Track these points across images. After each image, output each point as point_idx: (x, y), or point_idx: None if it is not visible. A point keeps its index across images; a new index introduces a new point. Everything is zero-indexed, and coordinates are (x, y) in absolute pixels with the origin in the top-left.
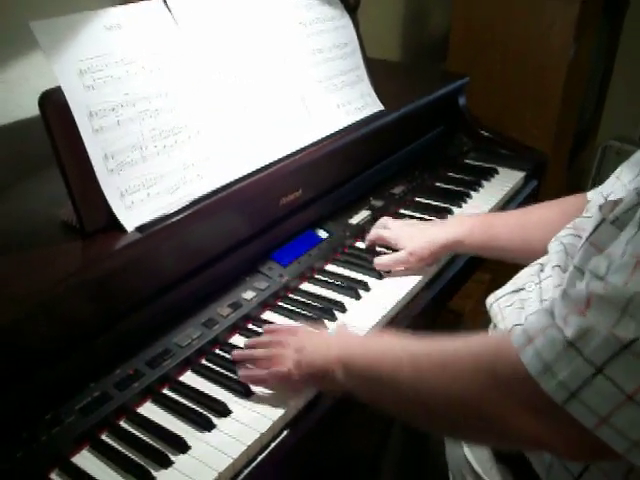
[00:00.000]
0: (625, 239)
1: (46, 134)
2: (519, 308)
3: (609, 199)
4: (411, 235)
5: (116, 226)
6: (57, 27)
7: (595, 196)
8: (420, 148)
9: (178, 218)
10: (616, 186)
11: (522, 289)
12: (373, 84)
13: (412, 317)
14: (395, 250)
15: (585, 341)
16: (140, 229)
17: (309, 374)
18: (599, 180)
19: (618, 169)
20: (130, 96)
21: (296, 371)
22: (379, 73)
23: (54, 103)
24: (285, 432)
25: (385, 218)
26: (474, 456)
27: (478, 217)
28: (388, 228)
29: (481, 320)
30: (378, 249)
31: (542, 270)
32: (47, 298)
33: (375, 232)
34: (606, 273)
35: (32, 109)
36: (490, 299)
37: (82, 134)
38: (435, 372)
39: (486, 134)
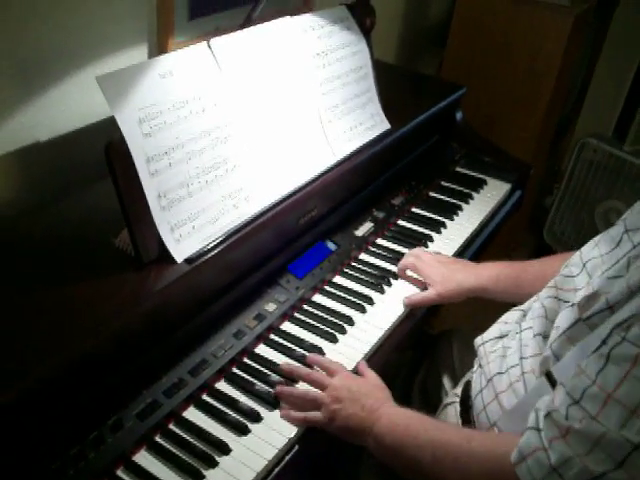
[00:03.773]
0: (596, 366)
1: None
2: (501, 356)
3: (584, 294)
4: (442, 275)
5: (167, 257)
6: (119, 79)
7: (577, 257)
8: (416, 157)
9: (219, 249)
10: (592, 252)
11: (505, 335)
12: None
13: (409, 327)
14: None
15: (565, 468)
16: (188, 260)
17: (341, 429)
18: (575, 174)
19: (598, 237)
20: (180, 139)
21: (330, 422)
22: (379, 80)
23: (118, 151)
24: (307, 435)
25: (419, 249)
26: None
27: (505, 266)
28: (422, 260)
29: None
30: (378, 263)
31: (524, 316)
32: (117, 327)
33: (411, 261)
34: (580, 398)
35: (78, 121)
36: (478, 340)
37: (141, 178)
38: (449, 467)
39: (477, 143)
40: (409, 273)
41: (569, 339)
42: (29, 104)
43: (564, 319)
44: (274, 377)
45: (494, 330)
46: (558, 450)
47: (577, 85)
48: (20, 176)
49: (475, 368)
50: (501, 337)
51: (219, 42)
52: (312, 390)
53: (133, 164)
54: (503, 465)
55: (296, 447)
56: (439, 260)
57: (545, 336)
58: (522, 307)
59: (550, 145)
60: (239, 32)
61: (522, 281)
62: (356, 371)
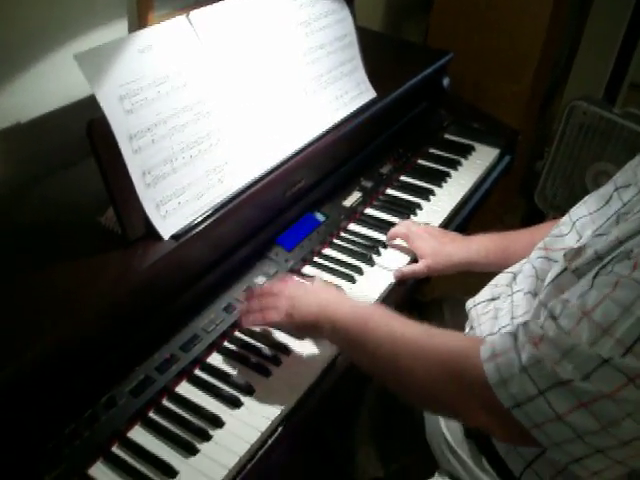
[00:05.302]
0: (579, 291)
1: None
2: (493, 318)
3: (573, 246)
4: (433, 248)
5: (153, 234)
6: (97, 56)
7: (566, 217)
8: (404, 125)
9: (206, 224)
10: (580, 210)
11: (497, 298)
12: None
13: (399, 297)
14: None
15: (534, 369)
16: (174, 237)
17: (300, 324)
18: (565, 137)
19: (587, 196)
20: (162, 115)
21: (288, 320)
22: (364, 48)
23: (99, 129)
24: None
25: (409, 221)
26: (448, 430)
27: (494, 238)
28: (412, 231)
29: None
30: (364, 233)
31: (514, 279)
32: (106, 305)
33: (402, 230)
34: (559, 315)
35: (59, 100)
36: (469, 303)
37: (124, 156)
38: (409, 359)
39: (465, 110)
40: (398, 241)
41: (556, 288)
42: (8, 85)
43: (552, 272)
44: (266, 349)
45: (485, 292)
46: (529, 353)
47: (566, 48)
48: (2, 158)
49: (467, 330)
50: (493, 299)
51: (198, 14)
52: (265, 299)
53: (116, 142)
54: (468, 360)
55: (289, 420)
56: (429, 232)
57: (535, 294)
58: (512, 269)
59: (540, 109)
60: (219, 3)
61: (511, 252)
62: None
